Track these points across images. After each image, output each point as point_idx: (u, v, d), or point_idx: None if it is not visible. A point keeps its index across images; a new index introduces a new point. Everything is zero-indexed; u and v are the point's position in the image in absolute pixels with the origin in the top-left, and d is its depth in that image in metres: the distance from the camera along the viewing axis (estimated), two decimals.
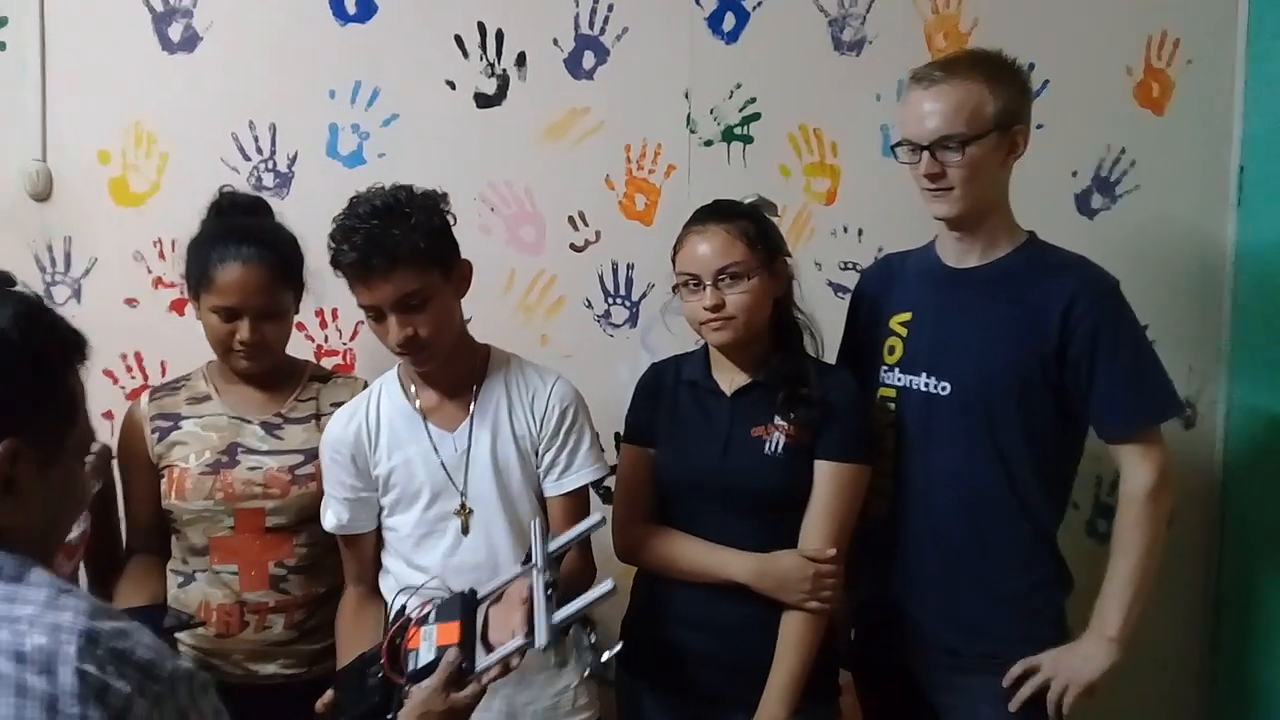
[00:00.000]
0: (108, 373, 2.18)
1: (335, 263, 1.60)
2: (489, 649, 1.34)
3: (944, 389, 1.74)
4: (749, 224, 1.70)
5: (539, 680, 1.68)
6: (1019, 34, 2.16)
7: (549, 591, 1.30)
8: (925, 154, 1.68)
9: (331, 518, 1.71)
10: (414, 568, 1.68)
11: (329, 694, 1.41)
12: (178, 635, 1.77)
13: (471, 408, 1.70)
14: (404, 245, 1.55)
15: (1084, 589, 1.78)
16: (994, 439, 1.71)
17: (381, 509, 1.72)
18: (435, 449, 1.68)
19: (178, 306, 2.18)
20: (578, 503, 1.71)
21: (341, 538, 1.74)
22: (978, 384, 1.71)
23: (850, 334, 1.95)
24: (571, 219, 2.28)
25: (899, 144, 1.74)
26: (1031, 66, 2.15)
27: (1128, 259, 2.06)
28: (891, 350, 1.83)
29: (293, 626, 1.80)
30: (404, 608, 1.45)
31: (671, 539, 1.74)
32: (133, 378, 2.19)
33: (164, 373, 2.15)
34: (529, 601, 1.33)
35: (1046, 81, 2.30)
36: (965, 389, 1.72)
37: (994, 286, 1.74)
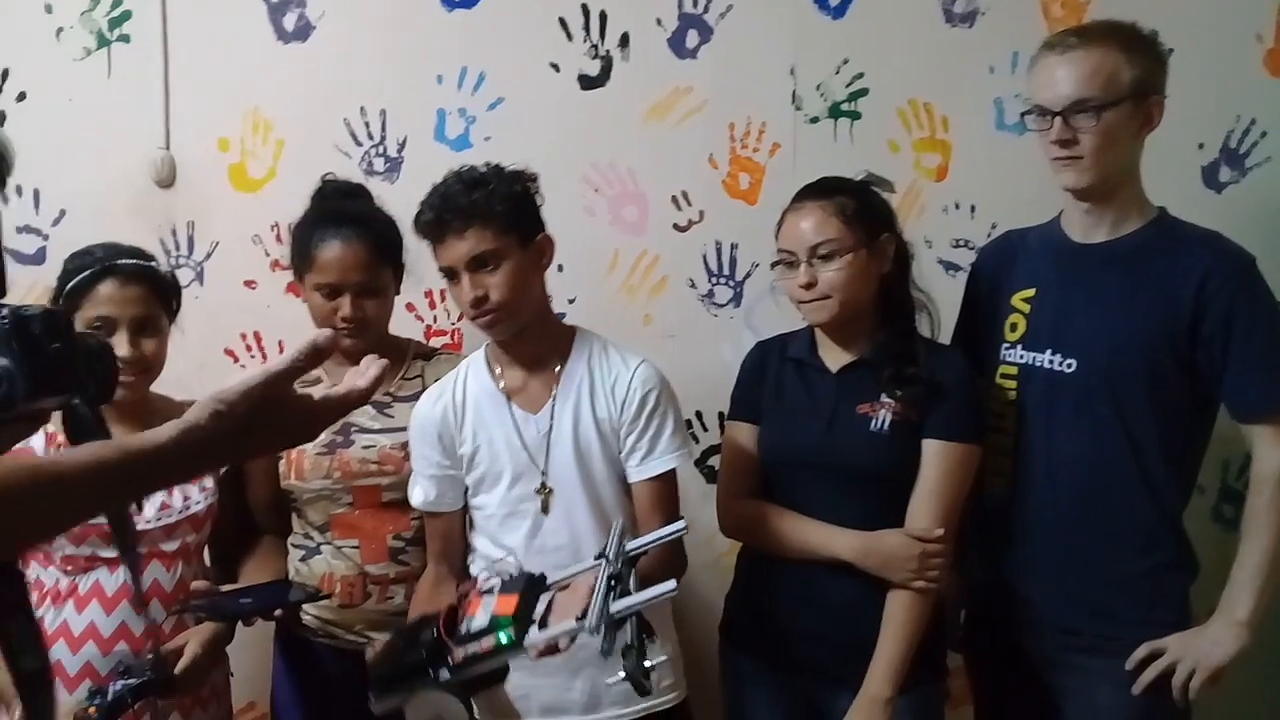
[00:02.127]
0: (229, 352, 2.29)
1: (417, 226, 1.68)
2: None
3: (1069, 366, 1.73)
4: (848, 200, 1.71)
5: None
6: (1141, 1, 2.12)
7: (613, 583, 1.31)
8: (1057, 120, 1.67)
9: (419, 494, 1.77)
10: (499, 547, 1.72)
11: (381, 641, 1.43)
12: (305, 608, 1.88)
13: (554, 389, 1.73)
14: (479, 205, 1.62)
15: (1209, 576, 1.76)
16: (1120, 418, 1.70)
17: (467, 488, 1.77)
18: (518, 430, 1.72)
19: (294, 288, 2.24)
20: (662, 488, 1.72)
21: (427, 515, 1.79)
22: (1105, 361, 1.70)
23: (968, 311, 1.94)
24: (675, 199, 2.30)
25: (1029, 111, 1.73)
26: (1154, 35, 2.11)
27: (1258, 234, 1.99)
28: (1013, 327, 1.82)
29: None
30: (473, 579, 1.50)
31: (776, 515, 1.76)
32: (252, 356, 2.30)
33: (281, 352, 2.24)
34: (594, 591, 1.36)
35: (1170, 50, 2.24)
36: (1092, 366, 1.71)
37: (1123, 262, 1.73)
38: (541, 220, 1.73)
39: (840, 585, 1.71)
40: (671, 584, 1.26)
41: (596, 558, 1.38)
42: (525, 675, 1.60)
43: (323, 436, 1.85)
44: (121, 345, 1.68)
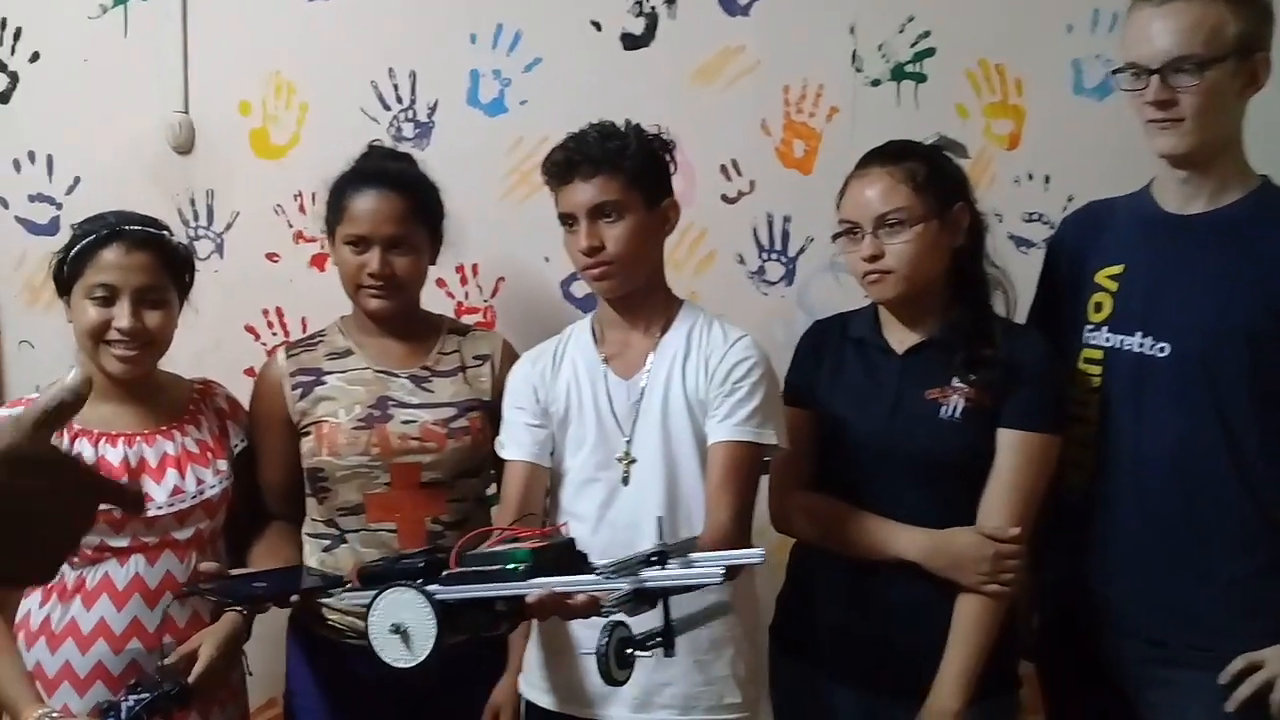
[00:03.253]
0: (249, 328, 2.25)
1: (544, 167, 1.71)
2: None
3: (1161, 350, 1.65)
4: (919, 166, 1.65)
5: (684, 664, 1.63)
6: None
7: (653, 556, 1.24)
8: (1154, 79, 1.58)
9: (513, 448, 1.73)
10: (570, 514, 1.69)
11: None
12: (323, 601, 1.81)
13: (650, 358, 1.70)
14: (611, 154, 1.64)
15: None
16: (1218, 406, 1.61)
17: (553, 449, 1.74)
18: (609, 395, 1.70)
19: (318, 261, 2.22)
20: (737, 459, 1.62)
21: (509, 469, 1.74)
22: (1201, 344, 1.62)
23: (1046, 289, 1.85)
24: (723, 168, 2.23)
25: (1121, 69, 1.64)
26: None
27: None
28: (1098, 307, 1.73)
29: None
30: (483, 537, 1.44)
31: (834, 510, 1.70)
32: (274, 333, 2.25)
33: (304, 329, 2.20)
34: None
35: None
36: (1186, 350, 1.63)
37: (1223, 235, 1.64)
38: (671, 187, 1.73)
39: (904, 588, 1.64)
40: (718, 572, 1.17)
41: (651, 556, 1.29)
42: (577, 661, 1.63)
43: (358, 410, 1.81)
44: (122, 315, 1.63)
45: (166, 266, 1.70)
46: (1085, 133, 2.17)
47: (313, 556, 1.85)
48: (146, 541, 1.66)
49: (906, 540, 1.63)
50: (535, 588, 1.25)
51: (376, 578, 1.32)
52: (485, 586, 1.26)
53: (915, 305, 1.68)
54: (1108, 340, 1.71)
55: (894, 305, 1.70)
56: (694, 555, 1.29)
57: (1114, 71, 1.67)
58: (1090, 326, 1.74)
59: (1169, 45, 1.57)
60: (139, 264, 1.66)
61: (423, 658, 1.22)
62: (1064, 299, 1.80)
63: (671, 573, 1.21)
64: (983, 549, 1.60)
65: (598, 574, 1.25)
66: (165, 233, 1.73)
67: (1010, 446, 1.62)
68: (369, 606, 1.26)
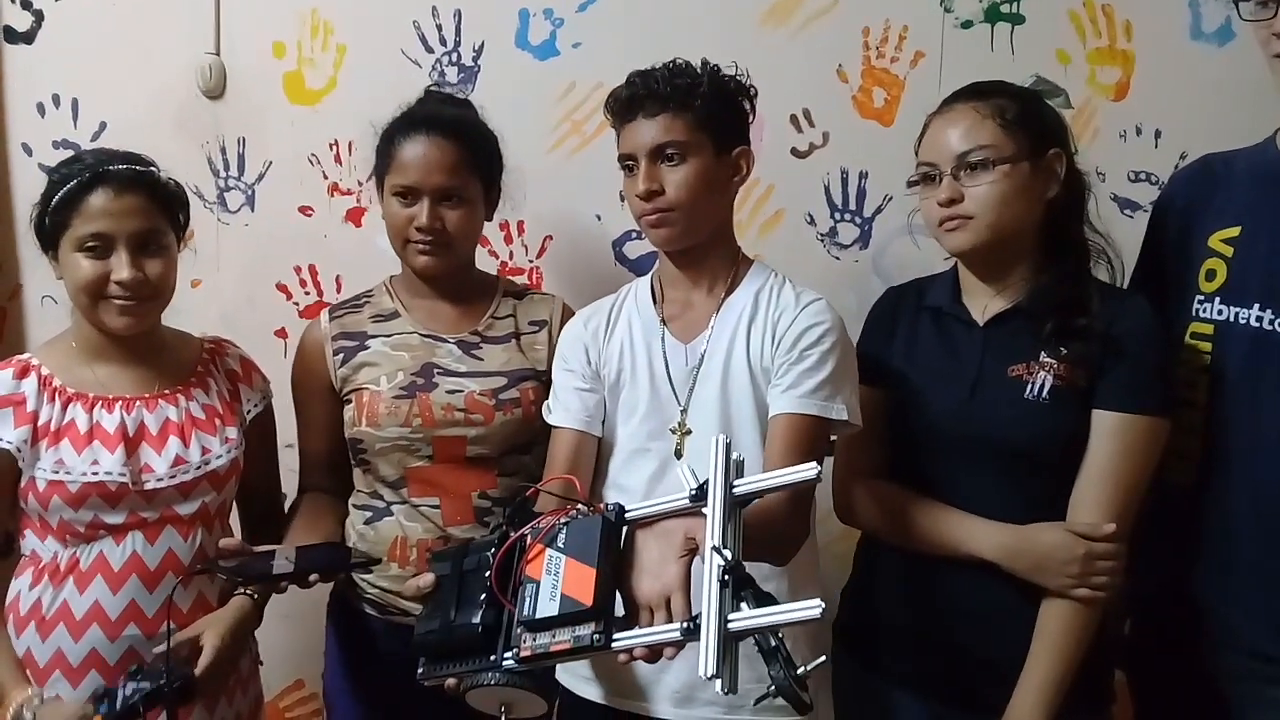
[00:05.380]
0: (281, 287, 2.23)
1: (608, 104, 1.66)
2: (632, 605, 1.21)
3: None
4: (1009, 103, 1.57)
5: None
6: None
7: (725, 576, 1.14)
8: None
9: (560, 413, 1.69)
10: (616, 487, 1.64)
11: (426, 579, 1.33)
12: (362, 577, 1.77)
13: (713, 320, 1.64)
14: (679, 91, 1.58)
15: None
16: None
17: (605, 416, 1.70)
18: (665, 358, 1.65)
19: (353, 216, 2.19)
20: (800, 432, 1.54)
21: (555, 436, 1.69)
22: None
23: (1151, 255, 1.75)
24: (794, 118, 2.16)
25: None
26: None
27: None
28: (1211, 275, 1.63)
29: None
30: (524, 503, 1.35)
31: (904, 501, 1.63)
32: (306, 293, 2.23)
33: (339, 289, 2.18)
34: (691, 558, 1.21)
35: None
36: None
37: None
38: (747, 135, 1.67)
39: (983, 590, 1.57)
40: (816, 606, 1.09)
41: (695, 494, 1.24)
42: None
43: (400, 377, 1.77)
44: (121, 267, 1.56)
45: (161, 207, 1.63)
46: (1202, 82, 2.06)
47: (356, 530, 1.82)
48: (145, 517, 1.60)
49: (985, 537, 1.56)
50: (623, 649, 1.20)
51: (440, 651, 1.29)
52: (566, 659, 1.25)
53: (1000, 264, 1.59)
54: (1220, 313, 1.61)
55: (975, 261, 1.61)
56: (740, 485, 1.23)
57: (1236, 0, 1.54)
58: (1201, 297, 1.64)
59: None
60: (131, 208, 1.58)
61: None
62: (1171, 266, 1.70)
63: (764, 617, 1.12)
64: (1072, 549, 1.50)
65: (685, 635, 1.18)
66: (153, 169, 1.65)
67: (1107, 431, 1.52)
68: (460, 694, 1.27)
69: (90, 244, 1.56)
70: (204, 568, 1.61)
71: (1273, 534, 1.56)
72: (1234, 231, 1.63)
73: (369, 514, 1.80)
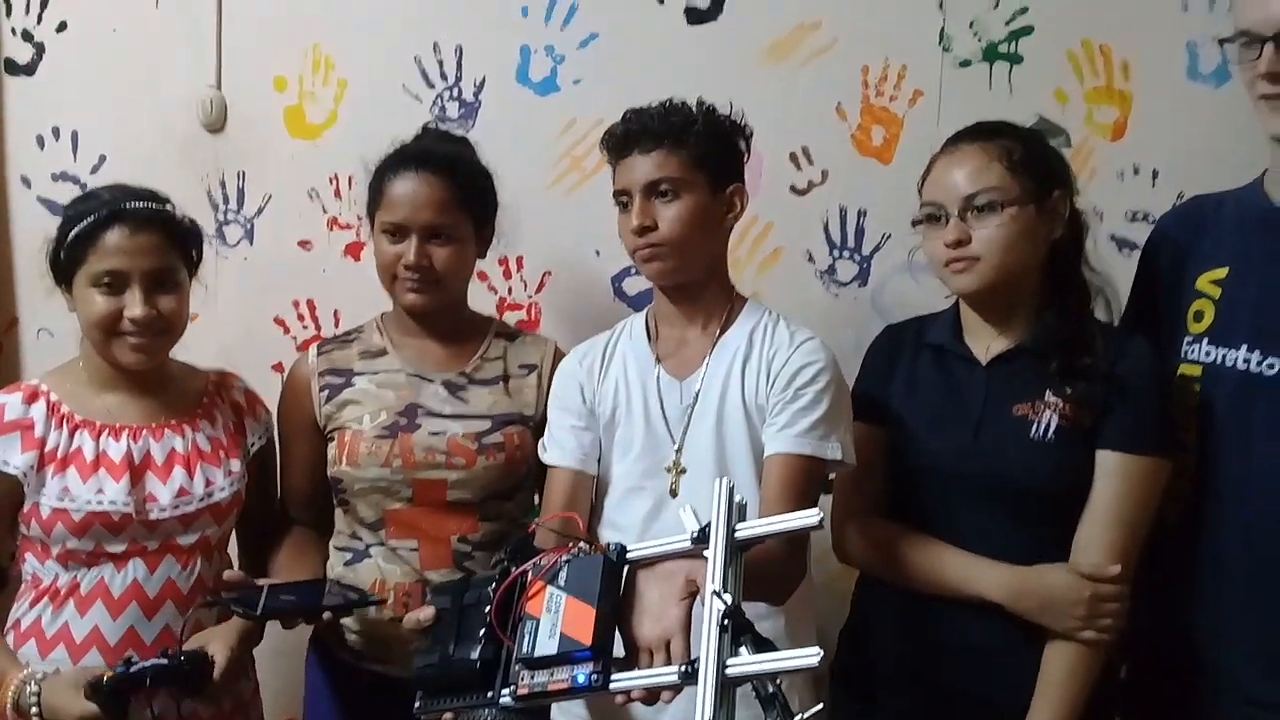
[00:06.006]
0: (278, 321, 2.24)
1: (603, 141, 1.68)
2: (632, 647, 1.21)
3: (1270, 367, 1.53)
4: (1015, 145, 1.57)
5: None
6: None
7: (725, 621, 1.15)
8: (1268, 47, 1.47)
9: (555, 452, 1.68)
10: (611, 525, 1.64)
11: (427, 613, 1.32)
12: (345, 621, 1.76)
13: (707, 359, 1.64)
14: (674, 128, 1.60)
15: None
16: None
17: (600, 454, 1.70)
18: (660, 396, 1.65)
19: (353, 250, 2.21)
20: (796, 473, 1.55)
21: (551, 475, 1.68)
22: None
23: (1141, 295, 1.75)
24: (793, 155, 2.16)
25: (1231, 39, 1.54)
26: None
27: None
28: (1199, 316, 1.62)
29: None
30: (526, 540, 1.34)
31: (905, 541, 1.63)
32: (305, 327, 2.24)
33: (337, 323, 2.19)
34: (691, 601, 1.21)
35: None
36: None
37: None
38: (740, 173, 1.69)
39: (986, 631, 1.56)
40: (815, 654, 1.09)
41: (696, 537, 1.25)
42: None
43: (384, 417, 1.77)
44: (135, 304, 1.59)
45: (175, 245, 1.65)
46: (1199, 123, 2.06)
47: (335, 572, 1.81)
48: (146, 546, 1.62)
49: (989, 578, 1.55)
50: (620, 690, 1.20)
51: (438, 686, 1.29)
52: (563, 698, 1.26)
53: (1004, 305, 1.60)
54: (1208, 354, 1.61)
55: (979, 302, 1.61)
56: (741, 529, 1.22)
57: (1223, 41, 1.57)
58: (1189, 338, 1.63)
59: None
60: (146, 246, 1.60)
61: None
62: (1160, 306, 1.69)
63: (763, 663, 1.12)
64: (1078, 590, 1.51)
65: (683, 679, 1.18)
66: (168, 206, 1.68)
67: (1111, 471, 1.53)
68: None
69: (105, 280, 1.58)
70: (212, 601, 1.62)
71: (1264, 576, 1.54)
72: (1222, 273, 1.63)
73: (348, 555, 1.80)
